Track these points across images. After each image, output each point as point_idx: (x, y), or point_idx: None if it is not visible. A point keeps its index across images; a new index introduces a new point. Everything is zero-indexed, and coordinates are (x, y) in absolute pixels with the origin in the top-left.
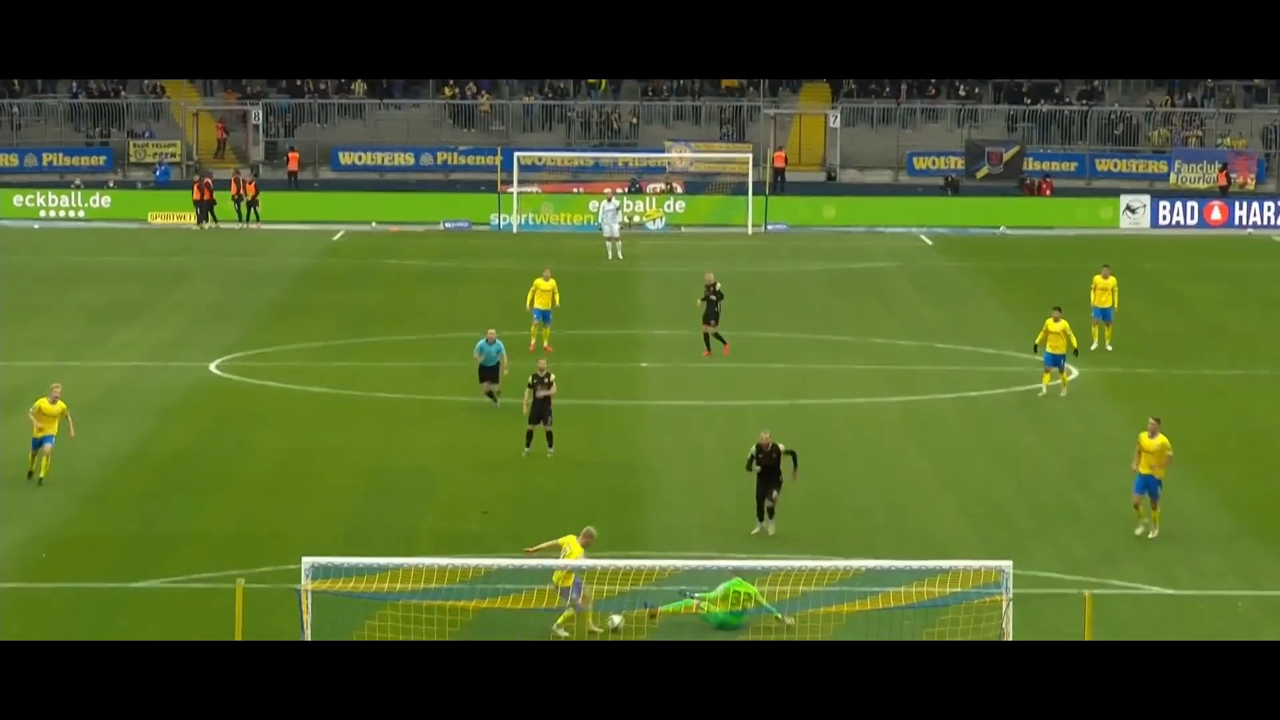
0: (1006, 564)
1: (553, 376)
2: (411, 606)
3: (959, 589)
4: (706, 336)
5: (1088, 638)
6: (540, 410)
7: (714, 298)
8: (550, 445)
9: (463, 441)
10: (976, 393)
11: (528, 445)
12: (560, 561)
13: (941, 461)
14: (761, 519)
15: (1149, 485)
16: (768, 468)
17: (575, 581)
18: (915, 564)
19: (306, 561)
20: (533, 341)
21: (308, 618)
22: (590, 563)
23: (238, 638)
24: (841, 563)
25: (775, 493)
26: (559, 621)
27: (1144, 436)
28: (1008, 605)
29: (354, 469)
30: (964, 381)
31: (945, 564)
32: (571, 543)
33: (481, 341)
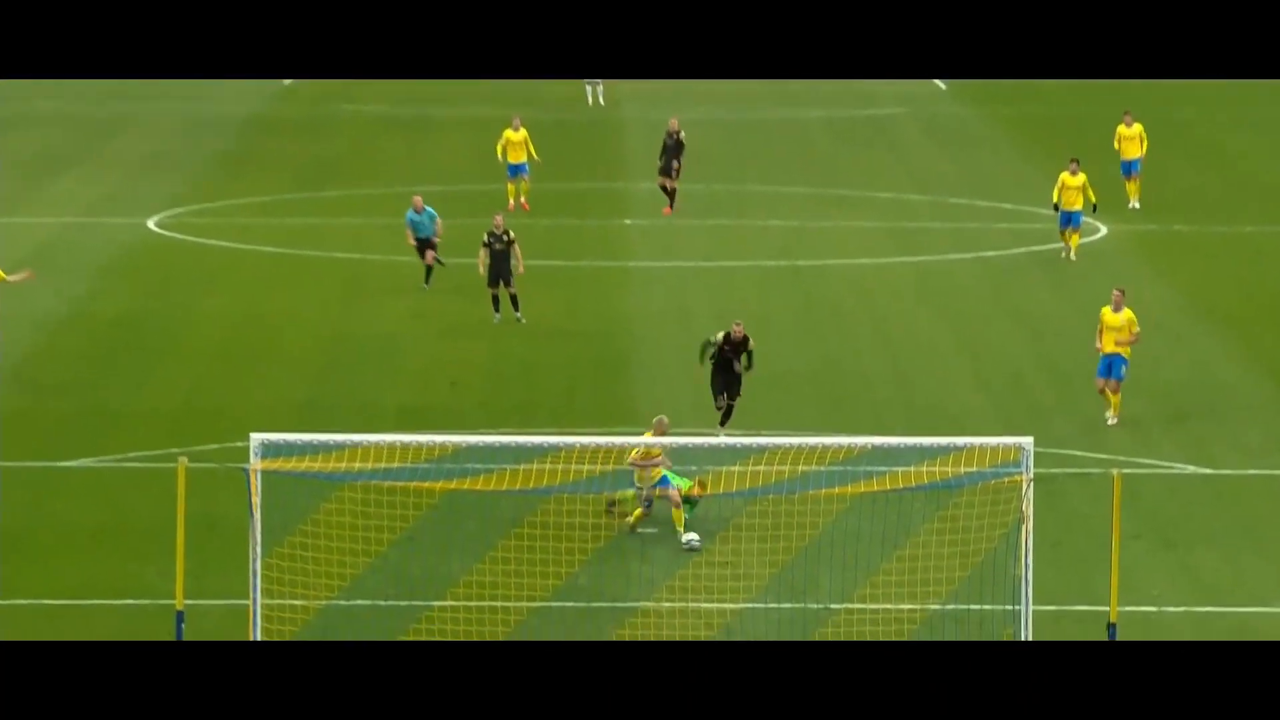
0: (1027, 440)
1: (512, 234)
2: (372, 488)
3: (974, 468)
4: (664, 190)
5: (1116, 523)
6: (499, 270)
7: (672, 146)
8: (517, 309)
9: (429, 306)
10: (994, 252)
11: (496, 311)
12: (545, 439)
13: (955, 327)
14: (724, 423)
15: (1112, 365)
16: (728, 362)
17: (663, 478)
18: (926, 441)
19: (255, 438)
20: (511, 201)
21: (257, 500)
22: (571, 440)
23: (179, 522)
24: (845, 439)
25: (737, 390)
26: (633, 521)
27: (1106, 311)
28: (1028, 486)
29: (310, 336)
30: (980, 240)
31: (959, 440)
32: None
33: (410, 212)
